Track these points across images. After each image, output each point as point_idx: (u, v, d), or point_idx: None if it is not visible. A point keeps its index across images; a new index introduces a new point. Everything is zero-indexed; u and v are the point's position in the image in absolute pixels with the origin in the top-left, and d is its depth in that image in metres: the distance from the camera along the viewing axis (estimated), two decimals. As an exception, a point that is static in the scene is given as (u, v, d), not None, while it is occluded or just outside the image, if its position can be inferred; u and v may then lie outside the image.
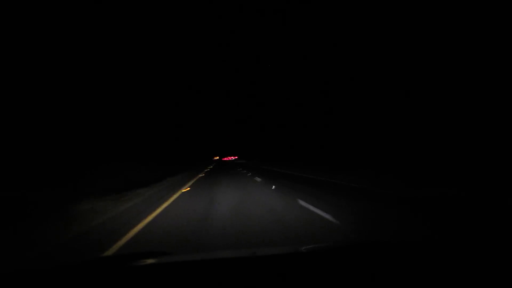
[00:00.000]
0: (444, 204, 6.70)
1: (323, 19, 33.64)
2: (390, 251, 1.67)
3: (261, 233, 4.55)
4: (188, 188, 11.34)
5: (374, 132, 24.54)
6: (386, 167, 16.69)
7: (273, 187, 11.05)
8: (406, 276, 1.22)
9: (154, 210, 6.93)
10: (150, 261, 1.64)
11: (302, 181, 13.50)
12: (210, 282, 1.23)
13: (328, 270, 1.32)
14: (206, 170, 28.16)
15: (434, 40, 17.69)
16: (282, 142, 55.77)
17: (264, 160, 58.27)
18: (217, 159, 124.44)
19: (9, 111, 15.05)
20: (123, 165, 16.66)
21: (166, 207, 7.34)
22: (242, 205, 7.21)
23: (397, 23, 20.59)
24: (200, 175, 19.91)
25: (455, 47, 16.58)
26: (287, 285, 1.17)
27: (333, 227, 4.90)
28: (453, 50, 16.70)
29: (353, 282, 1.17)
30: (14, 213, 6.33)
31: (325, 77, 34.25)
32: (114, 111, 29.36)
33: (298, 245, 3.64)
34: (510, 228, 4.71)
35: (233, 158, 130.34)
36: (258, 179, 14.93)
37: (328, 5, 31.84)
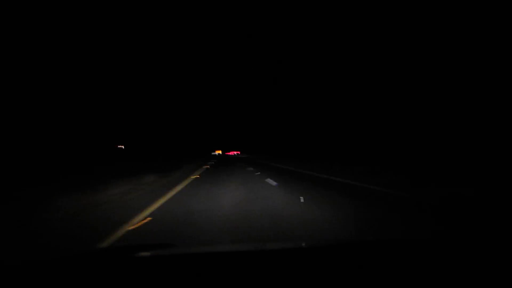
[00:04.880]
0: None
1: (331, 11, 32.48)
2: (396, 249, 1.61)
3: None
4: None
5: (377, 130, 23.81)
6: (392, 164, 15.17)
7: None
8: (413, 274, 1.17)
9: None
10: (154, 252, 1.60)
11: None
12: (215, 276, 1.18)
13: (334, 267, 1.28)
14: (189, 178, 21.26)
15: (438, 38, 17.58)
16: (287, 138, 52.90)
17: (273, 156, 53.09)
18: (219, 153, 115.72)
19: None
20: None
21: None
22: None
23: (405, 19, 20.08)
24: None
25: (457, 46, 16.32)
26: (294, 280, 1.12)
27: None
28: (456, 49, 16.46)
29: (359, 279, 1.13)
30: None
31: (332, 71, 32.53)
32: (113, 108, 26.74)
33: (302, 240, 3.72)
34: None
35: (235, 153, 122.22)
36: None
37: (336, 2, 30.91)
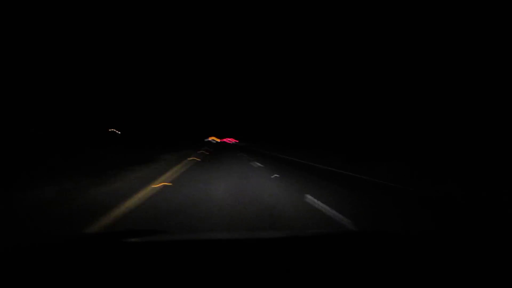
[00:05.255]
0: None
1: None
2: (392, 241, 1.60)
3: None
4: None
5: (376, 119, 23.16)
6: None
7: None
8: (404, 267, 1.15)
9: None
10: (144, 239, 1.53)
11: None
12: (208, 263, 1.13)
13: (330, 256, 1.26)
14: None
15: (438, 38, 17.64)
16: (285, 126, 51.81)
17: (275, 145, 48.13)
18: (211, 140, 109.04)
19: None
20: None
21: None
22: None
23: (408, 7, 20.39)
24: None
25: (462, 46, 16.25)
26: (289, 268, 1.08)
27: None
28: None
29: (356, 268, 1.10)
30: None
31: (328, 59, 31.81)
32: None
33: (299, 230, 3.65)
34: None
35: (234, 141, 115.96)
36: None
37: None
